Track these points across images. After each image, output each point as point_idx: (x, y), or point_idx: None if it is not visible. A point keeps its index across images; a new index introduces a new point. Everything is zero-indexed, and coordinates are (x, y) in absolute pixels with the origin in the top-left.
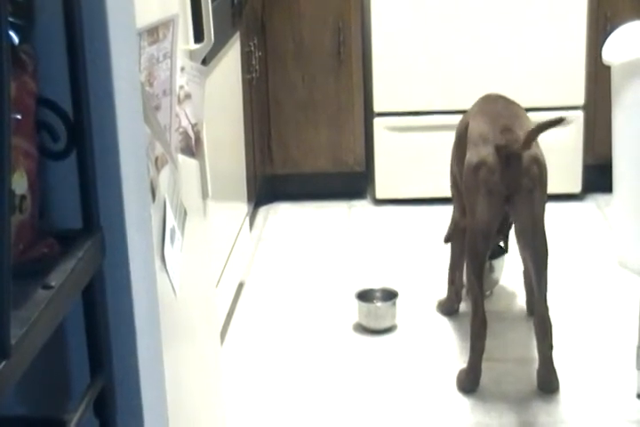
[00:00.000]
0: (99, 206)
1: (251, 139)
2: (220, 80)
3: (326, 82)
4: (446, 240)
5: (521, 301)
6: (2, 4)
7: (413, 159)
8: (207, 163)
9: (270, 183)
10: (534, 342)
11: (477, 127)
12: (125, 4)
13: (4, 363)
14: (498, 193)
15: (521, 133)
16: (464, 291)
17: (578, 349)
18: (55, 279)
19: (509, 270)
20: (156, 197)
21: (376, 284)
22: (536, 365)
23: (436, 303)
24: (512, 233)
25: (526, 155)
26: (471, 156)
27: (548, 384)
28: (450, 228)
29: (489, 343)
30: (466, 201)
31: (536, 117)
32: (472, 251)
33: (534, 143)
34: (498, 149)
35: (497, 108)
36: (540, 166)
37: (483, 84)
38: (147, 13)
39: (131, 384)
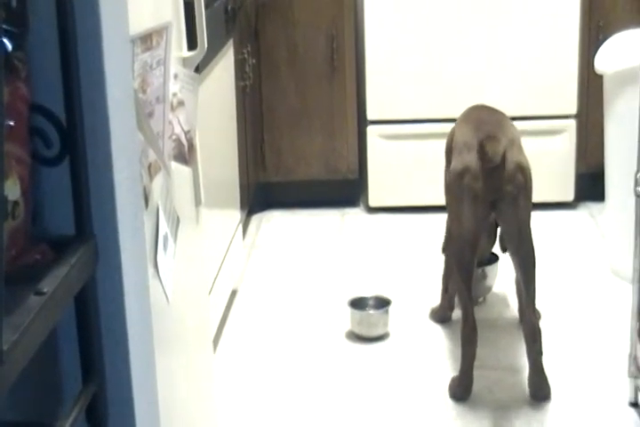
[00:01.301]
0: (92, 213)
1: (244, 146)
2: (214, 87)
3: (320, 89)
4: (444, 250)
5: (514, 308)
6: None
7: (407, 167)
8: (200, 170)
9: (263, 191)
10: (525, 350)
11: (461, 135)
12: (119, 12)
13: None
14: (482, 200)
15: (504, 141)
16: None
17: (570, 356)
18: (48, 286)
19: (503, 277)
20: (149, 204)
21: (369, 291)
22: (527, 372)
23: (428, 311)
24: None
25: (510, 162)
26: (456, 163)
27: (539, 392)
28: (445, 237)
29: (481, 351)
30: (451, 208)
31: (529, 126)
32: (459, 258)
33: (518, 150)
34: (480, 155)
35: (481, 116)
36: (524, 173)
37: (476, 93)
38: (140, 20)
39: (123, 391)
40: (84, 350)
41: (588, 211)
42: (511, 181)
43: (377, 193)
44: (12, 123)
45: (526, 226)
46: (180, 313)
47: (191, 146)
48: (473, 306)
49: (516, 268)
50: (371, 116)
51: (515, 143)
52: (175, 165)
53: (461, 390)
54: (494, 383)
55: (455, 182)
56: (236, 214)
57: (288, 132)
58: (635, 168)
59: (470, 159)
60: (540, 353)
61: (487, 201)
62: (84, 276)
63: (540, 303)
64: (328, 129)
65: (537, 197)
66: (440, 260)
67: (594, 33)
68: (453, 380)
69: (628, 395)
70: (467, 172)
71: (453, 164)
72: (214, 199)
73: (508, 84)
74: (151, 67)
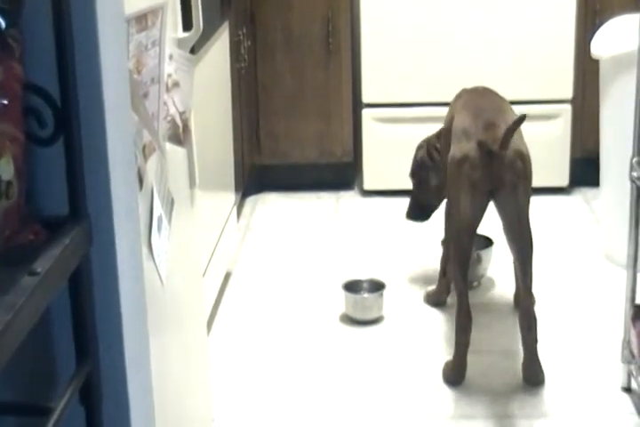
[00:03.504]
0: (86, 193)
1: (239, 128)
2: (209, 69)
3: (315, 72)
4: (411, 174)
5: (508, 292)
6: None
7: (401, 151)
8: (195, 152)
9: (258, 173)
10: (519, 335)
11: (461, 122)
12: None
13: None
14: (481, 188)
15: (504, 128)
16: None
17: (564, 342)
18: (41, 266)
19: (497, 262)
20: (144, 186)
21: (363, 275)
22: (522, 357)
23: (423, 294)
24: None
25: (510, 149)
26: (454, 151)
27: (533, 377)
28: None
29: (475, 335)
30: (450, 196)
31: (524, 110)
32: (457, 246)
33: (518, 137)
34: (480, 145)
35: (481, 102)
36: (524, 161)
37: (471, 77)
38: (135, 1)
39: (117, 372)
40: (78, 332)
41: (582, 196)
42: (511, 169)
43: (372, 176)
44: (5, 102)
45: (525, 213)
46: (174, 295)
47: (186, 127)
48: (468, 293)
49: (513, 254)
50: (366, 99)
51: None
52: (170, 147)
53: (455, 376)
54: (488, 368)
55: (454, 170)
56: (230, 197)
57: (283, 114)
58: (630, 153)
59: (469, 148)
60: (536, 340)
61: (486, 190)
62: (77, 256)
63: (534, 289)
64: (323, 112)
65: None
66: (434, 244)
67: (590, 17)
68: (447, 365)
69: (621, 380)
70: (465, 160)
71: (452, 151)
72: (209, 181)
73: (504, 69)
74: (146, 47)
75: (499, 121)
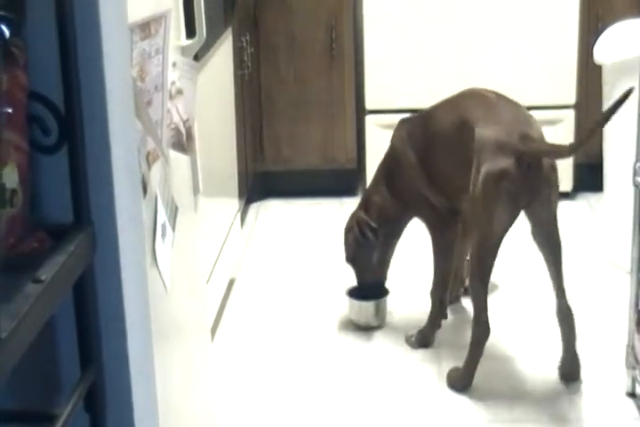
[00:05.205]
0: (90, 201)
1: (242, 135)
2: (212, 76)
3: (318, 79)
4: (350, 260)
5: (509, 298)
6: None
7: None
8: (199, 159)
9: (262, 180)
10: (523, 340)
11: (490, 137)
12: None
13: None
14: (518, 202)
15: (538, 138)
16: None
17: None
18: (46, 273)
19: (498, 267)
20: (148, 193)
21: None
22: (526, 362)
23: (407, 336)
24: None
25: (545, 162)
26: (489, 167)
27: (573, 373)
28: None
29: None
30: (479, 212)
31: None
32: (481, 262)
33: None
34: (519, 156)
35: (505, 114)
36: (555, 172)
37: (474, 83)
38: (139, 8)
39: (121, 379)
40: (82, 339)
41: (586, 201)
42: (547, 182)
43: None
44: (10, 110)
45: (555, 219)
46: (177, 302)
47: (190, 134)
48: (487, 307)
49: (545, 258)
50: (369, 105)
51: (543, 140)
52: (173, 154)
53: (461, 384)
54: (491, 373)
55: (490, 187)
56: (234, 203)
57: (286, 121)
58: (633, 158)
59: (507, 163)
60: (575, 337)
61: (523, 203)
62: (82, 264)
63: (539, 293)
64: (326, 118)
65: None
66: None
67: (593, 22)
68: (454, 371)
69: (625, 385)
70: (504, 176)
71: (487, 167)
72: (213, 188)
73: (507, 74)
74: (150, 55)
75: (531, 132)
